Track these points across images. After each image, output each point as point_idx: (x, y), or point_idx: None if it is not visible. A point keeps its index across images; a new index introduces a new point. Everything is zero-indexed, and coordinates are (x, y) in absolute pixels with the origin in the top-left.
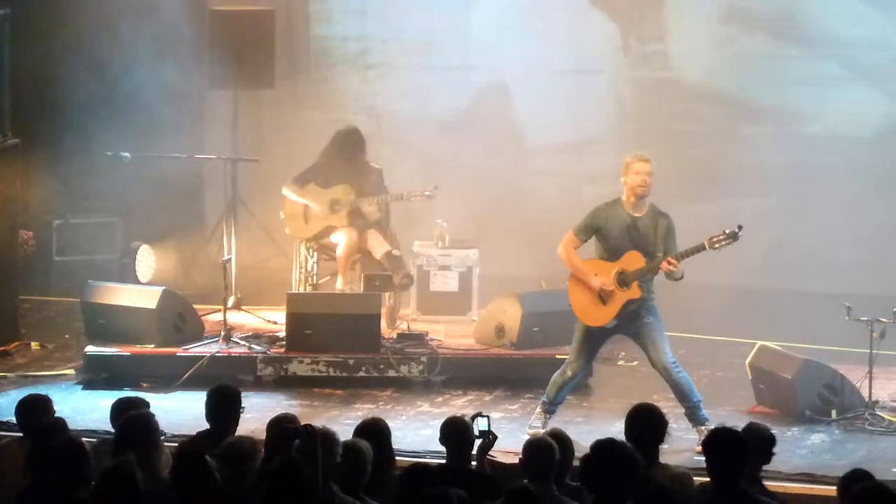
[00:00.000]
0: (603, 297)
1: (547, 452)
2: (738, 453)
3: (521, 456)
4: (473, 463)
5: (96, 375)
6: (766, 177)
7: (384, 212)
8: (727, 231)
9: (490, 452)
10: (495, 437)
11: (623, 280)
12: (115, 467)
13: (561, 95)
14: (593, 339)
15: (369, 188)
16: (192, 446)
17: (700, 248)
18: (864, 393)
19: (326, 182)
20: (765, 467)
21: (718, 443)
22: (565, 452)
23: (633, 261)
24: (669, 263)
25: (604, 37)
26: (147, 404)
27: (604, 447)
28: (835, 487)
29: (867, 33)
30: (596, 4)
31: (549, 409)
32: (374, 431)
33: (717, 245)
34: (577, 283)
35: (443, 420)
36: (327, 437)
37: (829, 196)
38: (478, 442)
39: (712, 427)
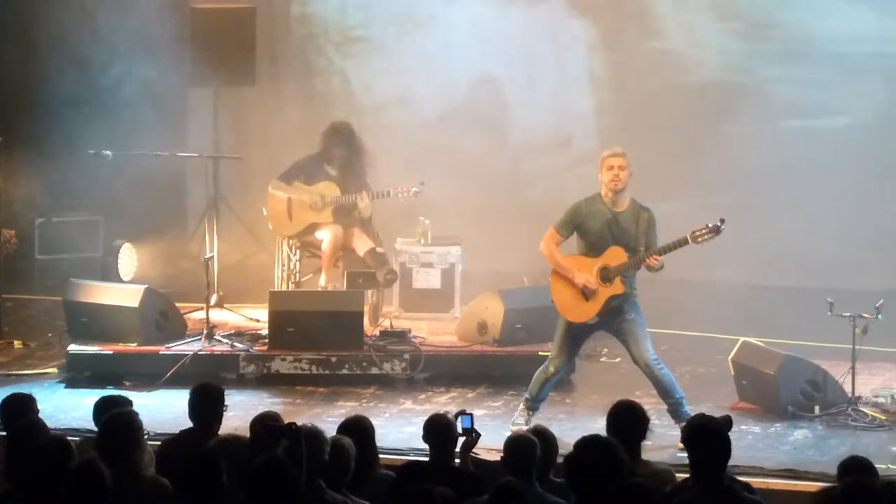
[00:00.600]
0: (586, 293)
1: (528, 449)
2: (722, 447)
3: (502, 453)
4: (457, 460)
5: (79, 374)
6: (750, 172)
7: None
8: (709, 225)
9: (473, 450)
10: (478, 435)
11: (606, 276)
12: (79, 467)
13: (544, 92)
14: (575, 336)
15: (353, 185)
16: (184, 447)
17: (682, 243)
18: (847, 389)
19: (310, 179)
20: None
21: (701, 437)
22: (548, 449)
23: (616, 256)
24: (655, 259)
25: (587, 32)
26: (130, 402)
27: (587, 444)
28: (818, 483)
29: (851, 29)
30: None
31: (532, 406)
32: (358, 429)
33: (699, 239)
34: (560, 280)
35: (426, 417)
36: (315, 435)
37: (812, 192)
38: (461, 439)
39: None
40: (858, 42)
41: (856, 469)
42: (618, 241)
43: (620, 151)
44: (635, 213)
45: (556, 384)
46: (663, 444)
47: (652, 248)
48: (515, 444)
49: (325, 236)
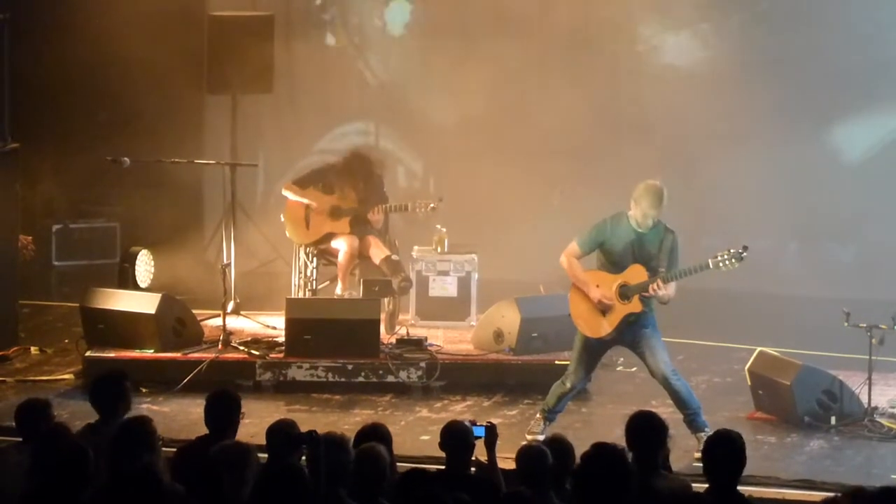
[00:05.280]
0: (603, 308)
1: (538, 459)
2: (735, 459)
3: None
4: (483, 459)
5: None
6: (765, 182)
7: (385, 213)
8: (731, 251)
9: (478, 457)
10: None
11: (625, 293)
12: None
13: (562, 101)
14: (593, 351)
15: (371, 196)
16: (200, 454)
17: (703, 267)
18: (864, 399)
19: (328, 188)
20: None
21: (715, 449)
22: (564, 458)
23: (636, 274)
24: (657, 288)
25: (606, 45)
26: (124, 374)
27: (595, 454)
28: (833, 494)
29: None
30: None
31: (549, 417)
32: (376, 437)
33: (721, 265)
34: (578, 294)
35: (442, 425)
36: (337, 443)
37: (828, 201)
38: (481, 440)
39: (711, 433)
40: (879, 65)
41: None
42: (639, 260)
43: (659, 202)
44: (659, 234)
45: (573, 397)
46: (680, 453)
47: (672, 270)
48: (527, 455)
49: (341, 247)
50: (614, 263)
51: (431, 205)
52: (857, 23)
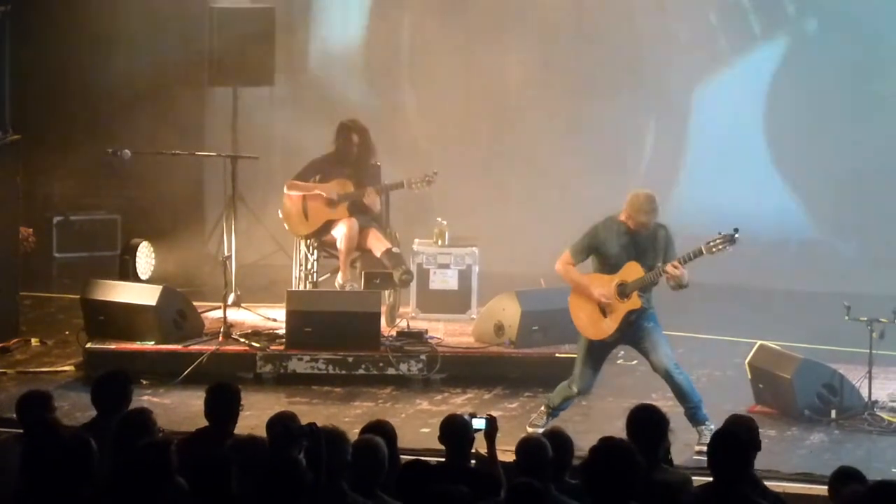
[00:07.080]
0: (604, 309)
1: (538, 450)
2: (739, 453)
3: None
4: (483, 451)
5: (96, 372)
6: (765, 175)
7: (384, 204)
8: (723, 234)
9: (477, 449)
10: (496, 424)
11: (623, 291)
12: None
13: (565, 94)
14: (597, 353)
15: (367, 183)
16: (200, 446)
17: (697, 253)
18: (864, 393)
19: (324, 178)
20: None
21: (720, 444)
22: (563, 450)
23: (632, 272)
24: (675, 267)
25: (611, 38)
26: (128, 377)
27: (604, 448)
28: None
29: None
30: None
31: (552, 413)
32: (380, 433)
33: (714, 249)
34: (578, 298)
35: (442, 418)
36: (337, 436)
37: (829, 194)
38: (481, 433)
39: (712, 426)
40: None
41: (848, 479)
42: (634, 259)
43: (651, 209)
44: (653, 231)
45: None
46: (681, 447)
47: (670, 262)
48: (527, 446)
49: (341, 231)
50: (610, 266)
51: (427, 178)
52: (860, 18)
